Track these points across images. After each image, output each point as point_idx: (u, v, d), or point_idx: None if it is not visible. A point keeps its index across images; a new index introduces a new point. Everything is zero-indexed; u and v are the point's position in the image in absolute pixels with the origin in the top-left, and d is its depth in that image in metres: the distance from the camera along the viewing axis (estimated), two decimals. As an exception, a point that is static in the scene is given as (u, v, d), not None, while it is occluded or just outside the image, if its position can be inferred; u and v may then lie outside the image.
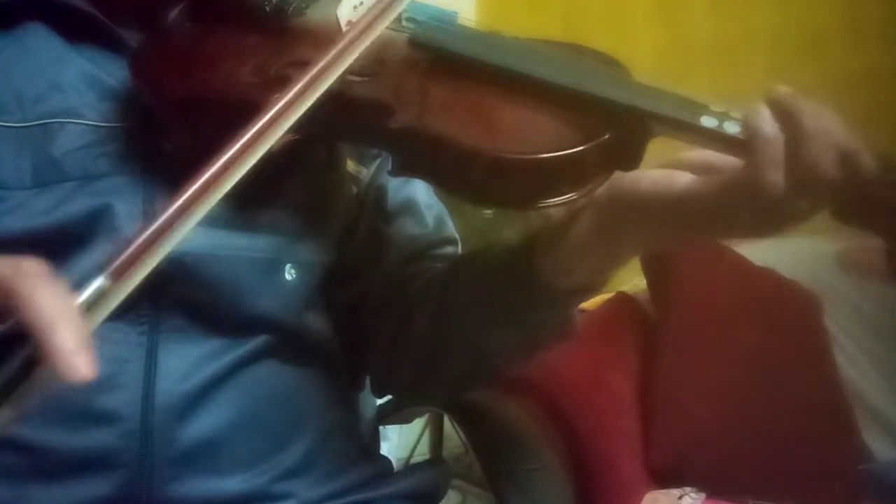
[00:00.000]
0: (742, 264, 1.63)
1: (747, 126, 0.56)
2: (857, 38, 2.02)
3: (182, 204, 0.45)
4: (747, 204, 0.56)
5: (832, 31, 2.04)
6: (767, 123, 0.55)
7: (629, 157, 0.62)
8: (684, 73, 2.11)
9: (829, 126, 0.55)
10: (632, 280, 1.71)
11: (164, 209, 0.45)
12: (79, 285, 0.42)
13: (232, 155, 0.48)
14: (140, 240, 0.43)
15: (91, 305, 0.41)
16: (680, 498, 1.45)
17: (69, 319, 0.40)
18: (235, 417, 0.70)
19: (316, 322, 0.78)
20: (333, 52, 0.56)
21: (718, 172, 0.58)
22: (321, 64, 0.55)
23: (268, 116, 0.51)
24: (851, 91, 1.98)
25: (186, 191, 0.46)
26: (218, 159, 0.48)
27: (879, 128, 1.83)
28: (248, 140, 0.49)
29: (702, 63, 2.14)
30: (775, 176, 0.55)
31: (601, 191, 0.62)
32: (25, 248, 0.67)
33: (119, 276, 0.42)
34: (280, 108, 0.52)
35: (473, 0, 2.18)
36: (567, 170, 0.60)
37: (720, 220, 0.59)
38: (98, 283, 0.42)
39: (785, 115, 0.55)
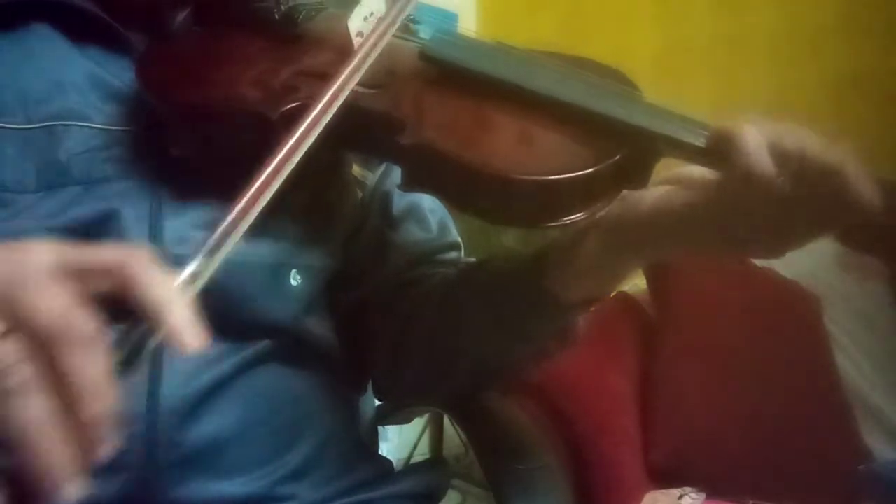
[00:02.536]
0: (742, 264, 1.64)
1: (731, 145, 0.56)
2: (857, 38, 2.02)
3: (248, 201, 0.49)
4: (741, 217, 0.57)
5: (832, 31, 2.04)
6: (750, 141, 0.55)
7: (638, 176, 0.62)
8: (683, 74, 2.12)
9: (836, 161, 0.55)
10: (632, 280, 1.72)
11: (238, 200, 0.49)
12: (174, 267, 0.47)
13: (283, 156, 0.51)
14: (221, 229, 0.48)
15: (188, 284, 0.47)
16: (680, 498, 1.45)
17: (180, 300, 0.44)
18: (239, 420, 0.70)
19: (319, 326, 0.78)
20: (354, 62, 0.56)
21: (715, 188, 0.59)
22: (349, 70, 0.55)
23: (313, 115, 0.53)
24: (851, 91, 1.98)
25: (254, 184, 0.50)
26: (270, 163, 0.51)
27: (879, 128, 1.83)
28: (301, 136, 0.52)
29: (701, 64, 2.14)
30: (759, 182, 0.55)
31: (608, 210, 0.62)
32: None
33: (210, 256, 0.47)
34: (319, 111, 0.53)
35: (474, 1, 2.19)
36: (577, 190, 0.60)
37: (722, 234, 0.60)
38: (193, 265, 0.47)
39: (784, 155, 0.55)
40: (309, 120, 0.53)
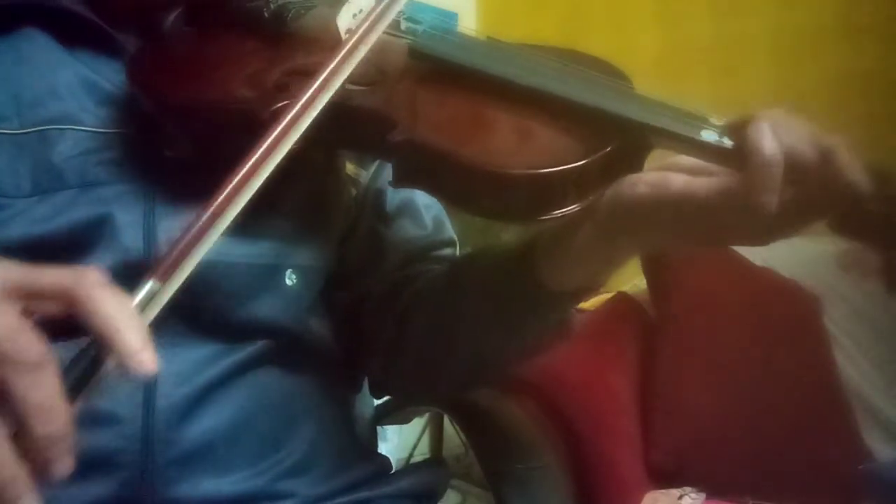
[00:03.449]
0: (742, 264, 1.64)
1: (747, 149, 0.56)
2: (857, 39, 2.02)
3: (215, 209, 0.49)
4: (740, 214, 0.57)
5: (832, 32, 2.04)
6: (767, 148, 0.55)
7: (629, 168, 0.62)
8: (683, 74, 2.12)
9: (827, 150, 0.55)
10: (632, 280, 1.72)
11: (200, 215, 0.49)
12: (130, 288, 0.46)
13: (259, 157, 0.50)
14: (181, 244, 0.48)
15: (144, 306, 0.45)
16: (680, 498, 1.45)
17: (131, 321, 0.43)
18: (235, 419, 0.70)
19: (315, 325, 0.78)
20: (339, 57, 0.56)
21: (713, 175, 0.59)
22: (330, 68, 0.55)
23: (291, 115, 0.52)
24: (850, 92, 1.98)
25: (219, 196, 0.49)
26: (244, 164, 0.50)
27: (878, 129, 1.83)
28: (277, 137, 0.51)
29: (701, 65, 2.14)
30: (770, 198, 0.55)
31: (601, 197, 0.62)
32: (26, 256, 0.67)
33: (166, 277, 0.46)
34: (299, 110, 0.53)
35: (473, 0, 2.19)
36: (568, 183, 0.60)
37: (715, 223, 0.60)
38: (149, 285, 0.46)
39: (786, 141, 0.55)
40: (286, 120, 0.52)
